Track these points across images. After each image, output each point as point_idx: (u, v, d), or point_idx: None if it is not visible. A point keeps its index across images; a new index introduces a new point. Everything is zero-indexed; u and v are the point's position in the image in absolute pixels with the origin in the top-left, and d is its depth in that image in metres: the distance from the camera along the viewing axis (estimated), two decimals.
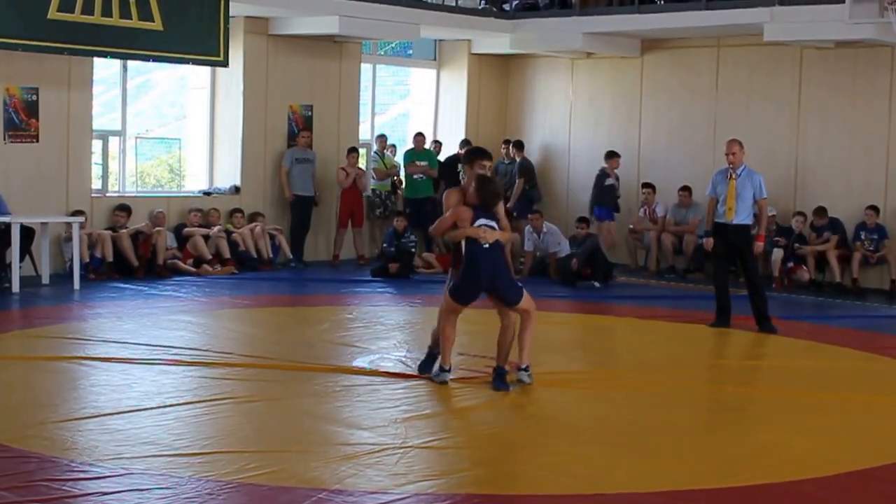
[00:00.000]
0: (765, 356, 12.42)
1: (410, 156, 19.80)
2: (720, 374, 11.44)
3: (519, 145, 20.63)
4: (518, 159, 20.41)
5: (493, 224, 9.84)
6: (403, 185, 20.04)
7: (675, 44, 19.82)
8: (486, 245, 9.72)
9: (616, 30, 19.25)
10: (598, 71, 20.88)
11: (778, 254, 17.42)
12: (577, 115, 21.16)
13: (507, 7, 20.47)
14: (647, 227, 19.21)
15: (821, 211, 17.55)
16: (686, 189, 18.86)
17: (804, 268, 17.40)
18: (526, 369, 10.02)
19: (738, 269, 14.05)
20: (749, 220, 13.41)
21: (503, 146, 20.71)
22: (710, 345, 12.99)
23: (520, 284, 10.04)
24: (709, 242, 13.68)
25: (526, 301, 9.96)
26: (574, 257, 17.54)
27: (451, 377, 10.00)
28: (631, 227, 19.41)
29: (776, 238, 17.42)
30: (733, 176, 13.26)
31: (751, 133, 17.48)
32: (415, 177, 19.65)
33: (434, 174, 19.80)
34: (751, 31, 17.86)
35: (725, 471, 7.56)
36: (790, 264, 17.47)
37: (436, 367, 10.05)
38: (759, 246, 13.62)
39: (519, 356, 10.02)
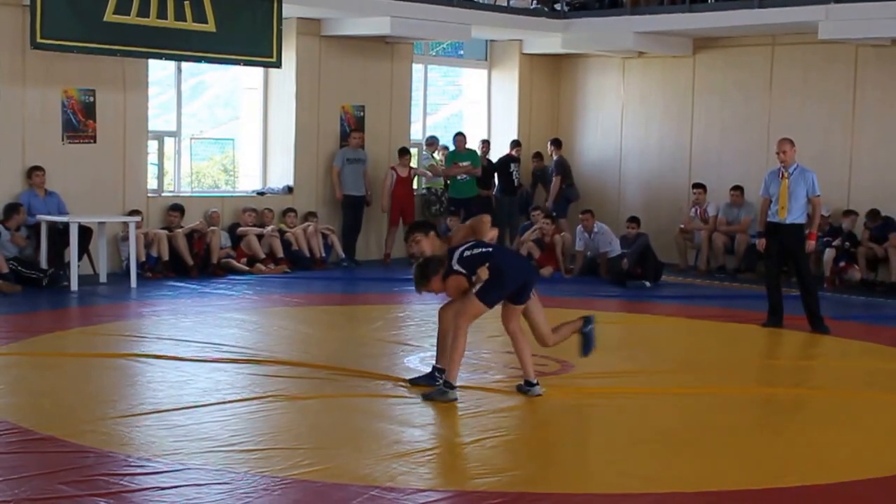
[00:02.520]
0: (817, 356, 12.34)
1: (453, 157, 19.84)
2: (772, 375, 11.38)
3: (556, 143, 20.65)
4: (555, 157, 20.42)
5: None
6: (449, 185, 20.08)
7: (728, 43, 19.75)
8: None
9: (668, 29, 19.21)
10: (650, 70, 20.84)
11: (830, 253, 17.31)
12: (628, 115, 21.14)
13: (558, 7, 20.47)
14: (698, 227, 19.16)
15: (874, 214, 17.40)
16: (738, 188, 18.79)
17: (856, 267, 17.29)
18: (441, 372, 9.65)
19: (791, 269, 13.97)
20: (802, 220, 13.30)
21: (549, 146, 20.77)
22: (761, 345, 12.93)
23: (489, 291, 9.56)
24: (761, 243, 13.59)
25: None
26: (625, 257, 17.54)
27: (499, 377, 10.04)
28: (682, 226, 19.37)
29: (827, 238, 17.32)
30: (785, 175, 13.20)
31: (804, 132, 17.40)
32: (458, 177, 19.68)
33: (478, 173, 19.81)
34: (805, 30, 17.79)
35: (778, 472, 7.53)
36: (842, 263, 17.37)
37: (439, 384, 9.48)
38: (811, 244, 13.51)
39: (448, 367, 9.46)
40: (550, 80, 22.03)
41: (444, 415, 8.71)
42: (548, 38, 20.62)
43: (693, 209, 19.37)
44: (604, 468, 7.51)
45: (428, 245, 9.74)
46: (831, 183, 17.43)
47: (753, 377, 11.20)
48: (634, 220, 18.31)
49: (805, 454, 8.05)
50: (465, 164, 19.69)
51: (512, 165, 20.62)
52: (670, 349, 12.45)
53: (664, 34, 19.51)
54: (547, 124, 21.85)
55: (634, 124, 21.06)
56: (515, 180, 20.64)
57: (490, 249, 9.48)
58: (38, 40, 15.05)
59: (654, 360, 11.50)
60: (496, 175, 20.62)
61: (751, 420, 9.28)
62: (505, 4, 20.27)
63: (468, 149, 19.96)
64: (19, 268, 15.16)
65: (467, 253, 9.33)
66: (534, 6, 20.79)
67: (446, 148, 20.40)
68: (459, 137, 19.90)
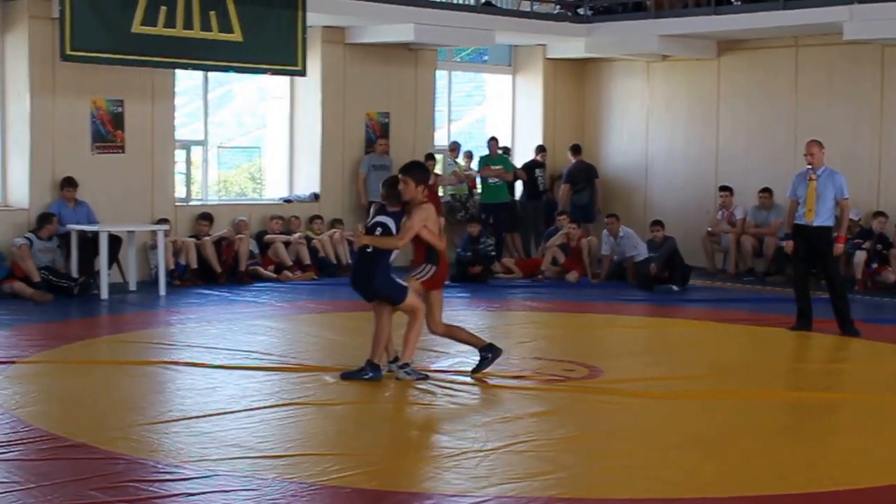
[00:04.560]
0: (847, 360, 12.25)
1: (485, 160, 19.86)
2: (801, 379, 11.35)
3: (574, 149, 20.61)
4: (573, 161, 20.41)
5: (386, 223, 10.08)
6: (479, 190, 20.08)
7: (753, 45, 19.71)
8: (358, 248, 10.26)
9: (692, 32, 19.18)
10: (675, 73, 20.81)
11: (861, 256, 17.17)
12: (653, 119, 21.11)
13: (581, 11, 20.48)
14: (725, 230, 19.12)
15: None
16: (766, 191, 18.73)
17: (889, 269, 17.18)
18: (403, 366, 10.17)
19: (820, 272, 13.89)
20: (830, 222, 13.20)
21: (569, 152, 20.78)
22: (790, 348, 12.86)
23: (403, 284, 10.12)
24: (789, 245, 13.50)
25: (410, 301, 10.11)
26: (652, 261, 17.51)
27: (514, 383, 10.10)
28: (709, 229, 19.33)
29: (857, 240, 17.24)
30: (813, 177, 13.12)
31: (832, 134, 17.32)
32: (490, 181, 19.69)
33: (509, 178, 19.84)
34: (830, 31, 17.74)
35: (809, 476, 7.51)
36: (874, 265, 17.29)
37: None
38: (840, 247, 13.41)
39: (402, 352, 10.23)
40: (575, 84, 22.03)
41: (472, 420, 8.73)
42: (572, 43, 20.63)
43: (720, 212, 19.33)
44: (634, 473, 7.49)
45: (412, 193, 10.03)
46: (860, 185, 17.37)
47: (782, 381, 11.16)
48: (659, 223, 18.24)
49: (835, 458, 8.02)
50: (497, 167, 19.69)
51: (537, 171, 20.62)
52: (698, 353, 12.41)
53: (688, 37, 19.48)
54: (571, 129, 21.83)
55: (660, 128, 21.04)
56: (540, 185, 20.65)
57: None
58: (68, 52, 15.16)
59: (682, 365, 11.48)
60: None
61: (780, 424, 9.25)
62: (528, 10, 20.29)
63: (500, 154, 19.95)
64: (50, 277, 15.27)
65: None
66: (557, 11, 20.82)
67: (470, 153, 20.41)
68: (492, 142, 19.93)
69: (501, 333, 13.37)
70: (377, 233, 10.00)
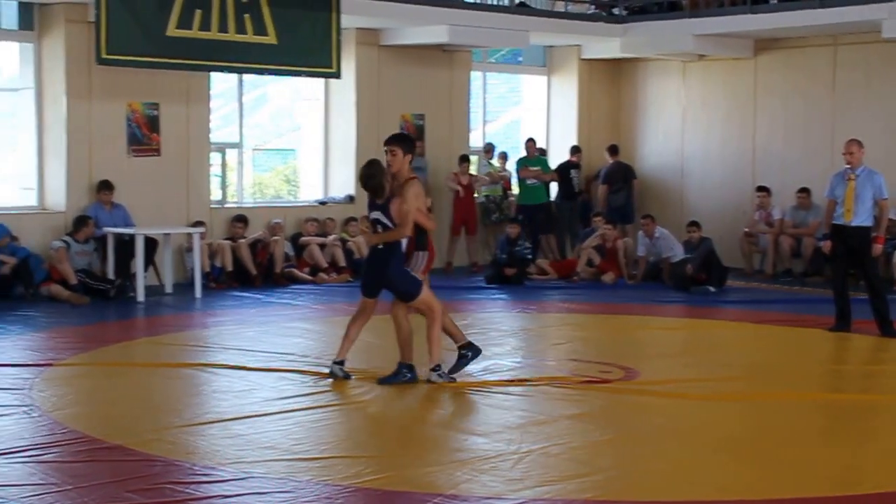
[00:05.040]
0: (886, 361, 12.12)
1: (523, 162, 19.83)
2: (840, 381, 11.23)
3: (612, 149, 20.56)
4: (610, 162, 20.34)
5: (380, 218, 9.93)
6: (516, 192, 20.04)
7: (790, 44, 19.60)
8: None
9: (728, 31, 19.09)
10: (711, 73, 20.73)
11: None
12: (689, 119, 21.03)
13: (616, 11, 20.43)
14: (763, 231, 19.02)
15: None
16: (805, 191, 18.61)
17: None
18: (435, 369, 10.02)
19: (858, 273, 13.77)
20: (869, 222, 13.05)
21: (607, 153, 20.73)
22: (829, 350, 12.75)
23: (418, 278, 9.95)
24: (827, 245, 13.39)
25: (424, 296, 9.91)
26: (688, 262, 17.43)
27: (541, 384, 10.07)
28: (746, 230, 19.23)
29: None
30: (852, 177, 12.99)
31: (870, 133, 17.12)
32: (528, 182, 19.65)
33: (548, 179, 19.80)
34: (868, 29, 17.62)
35: (847, 479, 7.45)
36: None
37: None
38: (878, 248, 13.29)
39: (430, 354, 10.05)
40: (610, 85, 21.98)
41: (507, 422, 8.70)
42: (607, 43, 20.58)
43: (757, 213, 19.22)
44: (670, 476, 7.45)
45: (399, 164, 10.00)
46: None
47: (821, 383, 11.04)
48: (695, 224, 18.12)
49: (875, 461, 7.94)
50: (534, 168, 19.65)
51: (572, 171, 20.58)
52: (736, 355, 12.34)
53: (724, 36, 19.39)
54: (607, 130, 21.77)
55: (696, 128, 20.96)
56: (575, 186, 20.60)
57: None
58: (103, 56, 15.23)
59: (719, 367, 11.41)
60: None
61: (819, 426, 9.17)
62: (563, 10, 20.25)
63: (538, 155, 19.91)
64: (87, 279, 15.35)
65: None
66: (592, 11, 20.77)
67: (504, 155, 20.37)
68: (530, 143, 19.89)
69: (537, 335, 13.37)
70: (378, 231, 9.92)
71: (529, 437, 8.20)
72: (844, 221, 12.97)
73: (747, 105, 20.23)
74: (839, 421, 9.41)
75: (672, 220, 19.88)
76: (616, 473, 7.51)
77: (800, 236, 18.61)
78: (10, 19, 16.44)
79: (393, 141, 10.15)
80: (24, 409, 8.93)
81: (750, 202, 19.68)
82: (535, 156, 19.84)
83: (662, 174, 21.30)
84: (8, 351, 11.52)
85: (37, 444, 7.86)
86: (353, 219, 18.45)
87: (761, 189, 19.22)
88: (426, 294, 9.91)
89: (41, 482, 7.00)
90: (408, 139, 10.38)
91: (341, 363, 10.11)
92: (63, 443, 7.90)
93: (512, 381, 10.23)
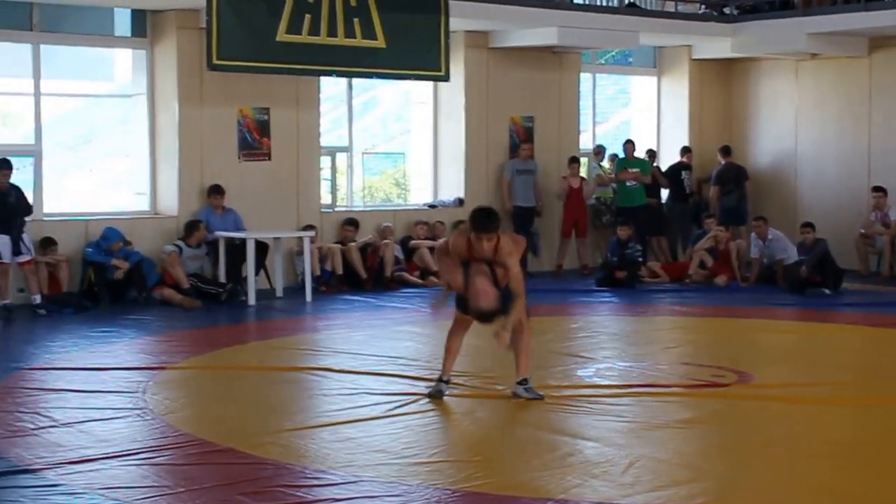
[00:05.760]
0: None
1: (622, 163, 19.68)
2: None
3: (724, 150, 20.29)
4: (722, 163, 20.09)
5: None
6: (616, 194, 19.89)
7: None
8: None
9: (842, 29, 18.75)
10: (824, 72, 20.39)
11: None
12: (802, 119, 20.71)
13: (727, 10, 20.20)
14: (879, 232, 18.66)
15: None
16: None
17: None
18: (522, 382, 9.53)
19: None
20: None
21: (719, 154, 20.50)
22: None
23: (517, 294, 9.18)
24: None
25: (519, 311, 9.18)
26: (802, 264, 17.15)
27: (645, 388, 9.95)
28: (862, 231, 18.89)
29: None
30: None
31: None
32: (627, 184, 19.48)
33: (647, 180, 19.59)
34: None
35: None
36: None
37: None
38: None
39: (517, 367, 9.55)
40: (721, 85, 21.72)
41: (619, 426, 8.62)
42: (717, 43, 20.34)
43: (873, 213, 18.87)
44: (783, 482, 7.31)
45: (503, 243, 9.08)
46: None
47: None
48: (809, 225, 17.79)
49: None
50: (634, 170, 19.49)
51: (683, 173, 20.39)
52: (851, 359, 12.13)
53: (838, 34, 19.05)
54: (718, 130, 21.52)
55: (809, 128, 20.63)
56: (686, 188, 20.41)
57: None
58: (215, 62, 15.39)
59: (834, 370, 11.22)
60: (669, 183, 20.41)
61: None
62: (673, 10, 20.07)
63: (636, 157, 19.76)
64: (199, 283, 15.52)
65: None
66: (702, 11, 20.56)
67: (614, 156, 20.24)
68: (629, 145, 19.73)
69: (648, 339, 13.25)
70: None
71: (641, 442, 8.13)
72: None
73: (862, 104, 19.87)
74: None
75: (786, 221, 19.57)
76: (727, 479, 7.40)
77: None
78: (124, 26, 16.70)
79: (491, 227, 9.02)
80: (138, 412, 9.05)
81: (865, 203, 19.32)
82: (633, 157, 19.66)
83: (775, 175, 21.00)
84: (121, 354, 11.70)
85: (150, 447, 7.95)
86: (462, 222, 18.40)
87: (877, 189, 18.87)
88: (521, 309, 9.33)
89: (154, 484, 7.09)
90: (497, 216, 9.25)
91: (447, 381, 9.69)
92: (175, 445, 7.99)
93: (623, 385, 10.14)
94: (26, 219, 14.56)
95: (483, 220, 9.02)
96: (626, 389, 9.95)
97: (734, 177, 20.03)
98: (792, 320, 15.04)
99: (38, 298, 14.48)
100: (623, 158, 19.71)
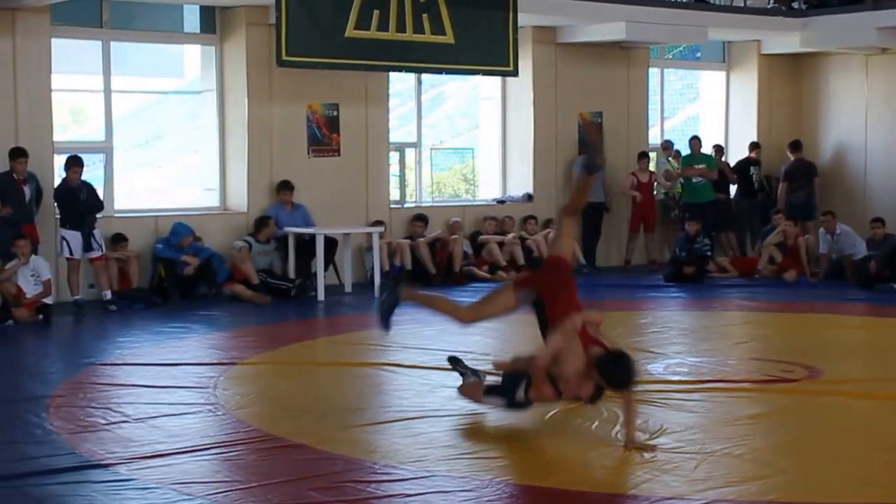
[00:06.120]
0: None
1: (687, 160, 19.56)
2: None
3: (793, 146, 20.04)
4: (792, 159, 19.89)
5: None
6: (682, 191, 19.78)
7: None
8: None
9: None
10: (895, 66, 20.16)
11: None
12: (872, 114, 20.50)
13: (796, 5, 20.03)
14: None
15: None
16: None
17: None
18: None
19: None
20: None
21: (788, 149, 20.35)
22: None
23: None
24: None
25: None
26: (871, 259, 16.98)
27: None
28: None
29: None
30: None
31: None
32: (693, 180, 19.36)
33: (713, 176, 19.44)
34: None
35: None
36: None
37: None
38: None
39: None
40: (790, 80, 21.54)
41: (690, 421, 8.58)
42: (786, 38, 20.18)
43: None
44: (855, 478, 7.26)
45: None
46: None
47: None
48: (879, 220, 17.63)
49: None
50: (700, 166, 19.37)
51: (751, 168, 20.25)
52: None
53: None
54: (787, 126, 21.33)
55: (879, 123, 20.41)
56: (755, 183, 20.26)
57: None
58: (284, 58, 15.47)
59: None
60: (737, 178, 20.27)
61: None
62: (742, 5, 19.94)
63: (702, 153, 19.64)
64: (268, 279, 15.62)
65: None
66: (771, 5, 20.39)
67: (679, 153, 20.13)
68: (694, 141, 19.62)
69: (718, 334, 13.18)
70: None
71: (712, 438, 8.09)
72: None
73: None
74: None
75: (855, 217, 19.37)
76: (799, 475, 7.36)
77: None
78: (193, 23, 16.84)
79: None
80: (209, 407, 9.13)
81: None
82: (699, 153, 19.54)
83: (844, 170, 20.81)
84: (192, 350, 11.79)
85: (221, 442, 8.02)
86: (531, 217, 18.45)
87: None
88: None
89: (225, 479, 7.15)
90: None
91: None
92: (246, 440, 8.04)
93: (693, 381, 10.11)
94: (97, 215, 14.73)
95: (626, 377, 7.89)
96: (697, 385, 9.92)
97: (804, 173, 19.84)
98: (861, 315, 14.90)
99: (108, 294, 14.66)
100: (688, 155, 19.60)
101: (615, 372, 7.76)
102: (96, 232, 14.63)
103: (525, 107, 18.91)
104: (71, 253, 14.44)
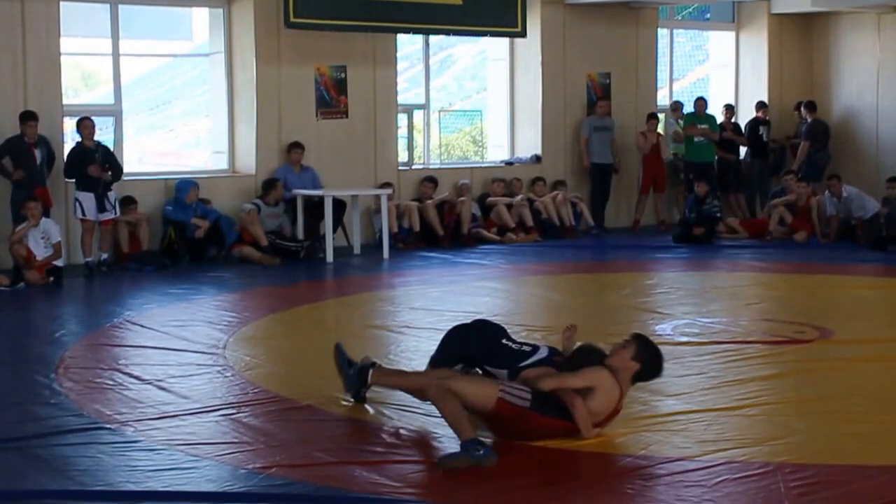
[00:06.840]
0: None
1: (690, 118, 19.46)
2: None
3: (809, 106, 19.98)
4: (809, 120, 19.79)
5: None
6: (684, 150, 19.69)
7: None
8: None
9: None
10: None
11: None
12: (885, 73, 20.36)
13: None
14: None
15: None
16: None
17: None
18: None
19: None
20: None
21: (795, 110, 20.21)
22: None
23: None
24: None
25: None
26: (880, 217, 16.90)
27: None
28: None
29: None
30: None
31: None
32: (695, 139, 19.24)
33: (715, 137, 19.32)
34: None
35: None
36: None
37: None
38: None
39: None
40: (801, 40, 21.39)
41: (700, 383, 8.54)
42: None
43: None
44: (867, 439, 7.21)
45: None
46: None
47: None
48: (894, 180, 17.53)
49: None
50: (702, 126, 19.25)
51: (760, 128, 20.14)
52: None
53: None
54: (797, 86, 21.21)
55: (892, 83, 20.27)
56: (766, 142, 20.16)
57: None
58: (292, 20, 15.42)
59: None
60: (749, 139, 20.16)
61: None
62: None
63: (706, 113, 19.51)
64: (277, 241, 15.59)
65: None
66: None
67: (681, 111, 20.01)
68: (699, 101, 19.49)
69: (729, 294, 13.13)
70: None
71: (723, 399, 8.05)
72: None
73: None
74: None
75: (867, 177, 19.31)
76: (811, 436, 7.32)
77: None
78: None
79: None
80: (218, 368, 9.12)
81: None
82: (703, 114, 19.42)
83: (856, 130, 20.70)
84: (201, 311, 11.77)
85: (230, 403, 8.02)
86: (540, 179, 18.39)
87: None
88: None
89: (234, 440, 7.14)
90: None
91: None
92: (255, 402, 8.04)
93: (703, 342, 10.06)
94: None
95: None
96: (707, 346, 9.87)
97: (824, 133, 19.77)
98: (873, 276, 14.84)
99: (104, 256, 14.62)
100: (692, 113, 19.48)
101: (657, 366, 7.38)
102: (111, 194, 14.58)
103: (533, 68, 18.81)
104: (84, 214, 14.40)
